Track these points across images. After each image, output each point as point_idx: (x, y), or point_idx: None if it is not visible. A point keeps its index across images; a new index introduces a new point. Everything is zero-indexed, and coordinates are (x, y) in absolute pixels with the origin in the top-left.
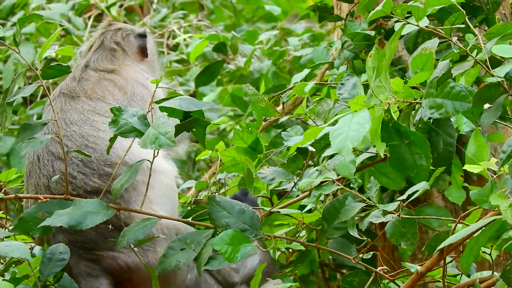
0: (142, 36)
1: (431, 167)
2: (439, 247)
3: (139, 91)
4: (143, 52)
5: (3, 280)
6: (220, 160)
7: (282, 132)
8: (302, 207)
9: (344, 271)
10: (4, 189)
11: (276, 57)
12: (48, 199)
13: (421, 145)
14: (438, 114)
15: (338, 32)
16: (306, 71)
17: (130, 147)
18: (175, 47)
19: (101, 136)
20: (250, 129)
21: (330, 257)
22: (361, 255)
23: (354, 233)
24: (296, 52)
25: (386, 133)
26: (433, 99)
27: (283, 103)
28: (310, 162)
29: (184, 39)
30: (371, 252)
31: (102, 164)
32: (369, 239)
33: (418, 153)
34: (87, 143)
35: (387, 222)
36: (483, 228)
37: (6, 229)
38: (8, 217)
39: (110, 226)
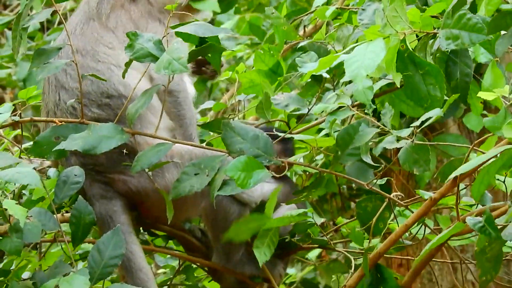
0: None
1: (447, 97)
2: (451, 175)
3: (152, 27)
4: None
5: (16, 203)
6: (239, 82)
7: (296, 58)
8: (320, 131)
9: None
10: (19, 112)
11: None
12: (63, 122)
13: (436, 75)
14: (454, 45)
15: None
16: None
17: (137, 83)
18: None
19: (99, 69)
20: (272, 52)
21: (344, 186)
22: (375, 181)
23: (367, 159)
24: None
25: (401, 63)
26: (449, 30)
27: (304, 27)
28: (330, 86)
29: None
30: (386, 178)
31: (100, 95)
32: (384, 164)
33: (432, 84)
34: (86, 75)
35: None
36: (496, 156)
37: (22, 153)
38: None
39: (124, 151)
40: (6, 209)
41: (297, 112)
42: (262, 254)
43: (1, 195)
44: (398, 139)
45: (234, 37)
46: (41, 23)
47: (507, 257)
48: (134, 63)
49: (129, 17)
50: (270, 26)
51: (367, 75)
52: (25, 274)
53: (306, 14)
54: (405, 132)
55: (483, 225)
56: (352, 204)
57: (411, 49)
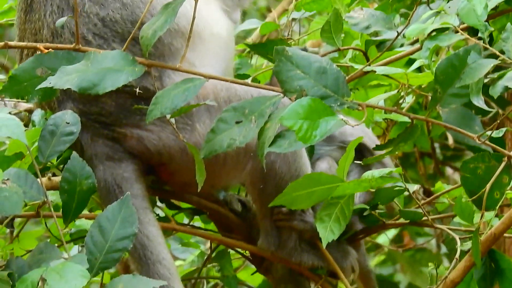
0: None
1: None
2: None
3: None
4: None
5: None
6: None
7: None
8: (410, 62)
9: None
10: None
11: None
12: (50, 49)
13: None
14: None
15: None
16: None
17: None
18: None
19: None
20: None
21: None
22: (488, 133)
23: (479, 101)
24: None
25: None
26: None
27: None
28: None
29: None
30: (503, 129)
31: (130, 25)
32: (500, 109)
33: None
34: None
35: None
36: None
37: None
38: None
39: (138, 90)
40: None
41: (378, 38)
42: (329, 231)
43: None
44: None
45: None
46: None
47: None
48: None
49: None
50: None
51: None
52: None
53: None
54: None
55: None
56: (448, 170)
57: None
